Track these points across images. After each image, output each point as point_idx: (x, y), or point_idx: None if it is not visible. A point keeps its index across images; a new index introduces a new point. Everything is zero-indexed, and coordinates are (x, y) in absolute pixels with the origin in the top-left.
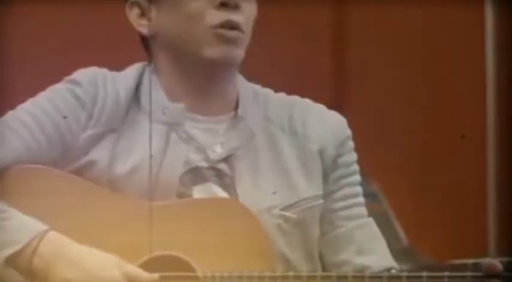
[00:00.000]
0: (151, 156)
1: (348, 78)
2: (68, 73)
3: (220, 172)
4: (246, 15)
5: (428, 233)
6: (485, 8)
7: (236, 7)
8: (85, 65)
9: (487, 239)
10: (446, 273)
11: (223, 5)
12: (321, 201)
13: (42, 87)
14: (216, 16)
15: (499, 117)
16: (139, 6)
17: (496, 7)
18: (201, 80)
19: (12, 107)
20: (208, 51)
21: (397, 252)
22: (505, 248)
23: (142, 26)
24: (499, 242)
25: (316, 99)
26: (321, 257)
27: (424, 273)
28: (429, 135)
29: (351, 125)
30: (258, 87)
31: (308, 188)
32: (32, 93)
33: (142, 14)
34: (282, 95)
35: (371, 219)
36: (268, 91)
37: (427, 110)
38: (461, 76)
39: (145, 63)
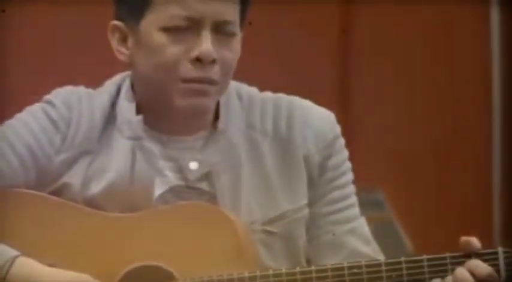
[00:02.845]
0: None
1: (352, 78)
2: (69, 75)
3: (199, 190)
4: (224, 64)
5: (433, 240)
6: (491, 8)
7: (212, 62)
8: (85, 65)
9: (493, 245)
10: (424, 256)
11: (199, 60)
12: (306, 210)
13: (45, 89)
14: (190, 71)
15: (505, 119)
16: (121, 32)
17: (502, 6)
18: (172, 118)
19: (13, 106)
20: (177, 100)
21: None
22: None
23: (120, 53)
24: (504, 246)
25: (321, 100)
26: (308, 261)
27: (403, 258)
28: (433, 138)
29: (354, 126)
30: (244, 87)
31: (291, 199)
32: (34, 94)
33: (123, 40)
34: (266, 95)
35: (362, 221)
36: (253, 91)
37: (431, 110)
38: (467, 76)
39: (126, 74)
